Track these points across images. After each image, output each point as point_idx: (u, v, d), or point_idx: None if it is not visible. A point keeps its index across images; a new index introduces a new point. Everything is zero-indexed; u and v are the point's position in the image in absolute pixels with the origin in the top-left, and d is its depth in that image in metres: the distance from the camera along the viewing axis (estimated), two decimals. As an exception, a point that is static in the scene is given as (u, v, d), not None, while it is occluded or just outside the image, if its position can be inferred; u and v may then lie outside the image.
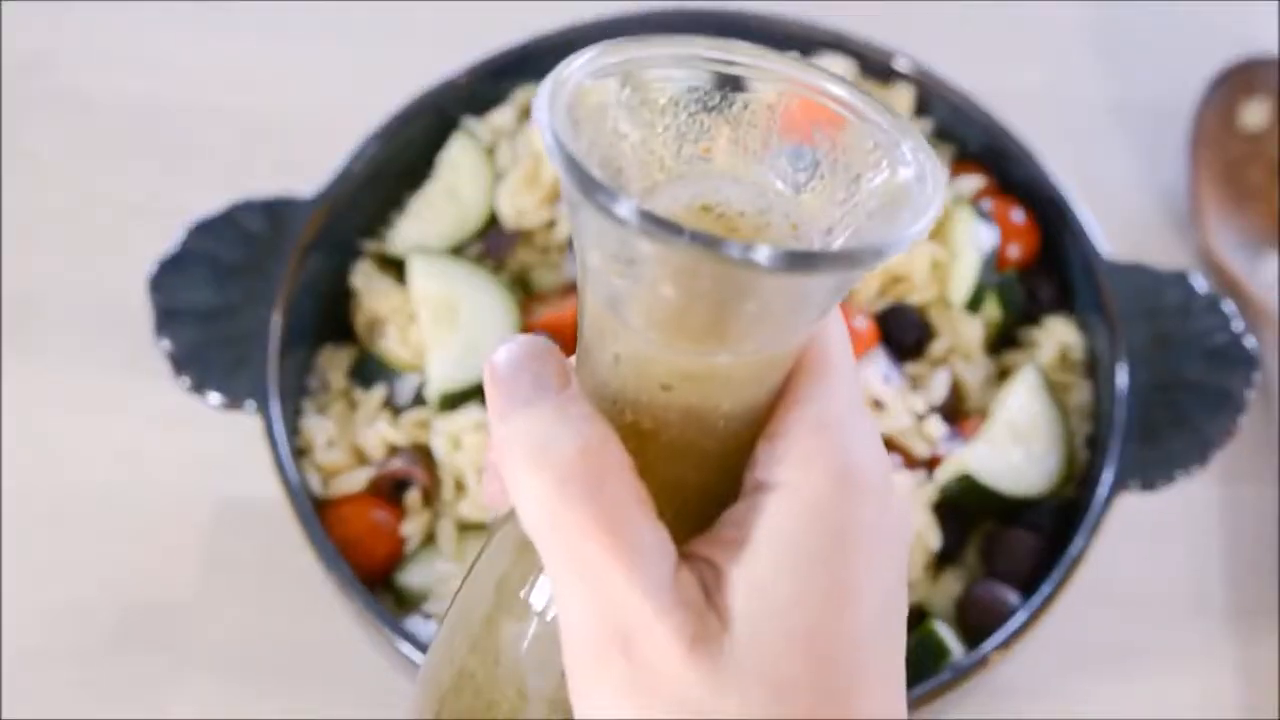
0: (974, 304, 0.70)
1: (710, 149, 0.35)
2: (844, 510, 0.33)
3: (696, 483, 0.35)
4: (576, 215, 0.32)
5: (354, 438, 0.68)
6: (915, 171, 0.33)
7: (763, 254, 0.29)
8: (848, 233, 0.33)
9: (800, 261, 0.30)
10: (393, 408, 0.69)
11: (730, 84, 0.34)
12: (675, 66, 0.34)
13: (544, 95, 0.32)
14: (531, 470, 0.33)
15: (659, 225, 0.30)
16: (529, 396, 0.34)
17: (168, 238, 0.68)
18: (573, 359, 0.36)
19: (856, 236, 0.33)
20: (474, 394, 0.68)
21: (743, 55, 0.34)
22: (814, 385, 0.34)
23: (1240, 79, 0.82)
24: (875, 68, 0.74)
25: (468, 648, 0.37)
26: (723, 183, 0.34)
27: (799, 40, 0.74)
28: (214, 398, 0.66)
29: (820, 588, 0.32)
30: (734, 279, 0.31)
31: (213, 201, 0.69)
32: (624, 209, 0.30)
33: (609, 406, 0.34)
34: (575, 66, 0.33)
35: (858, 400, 0.35)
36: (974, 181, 0.74)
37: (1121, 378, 0.68)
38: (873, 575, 0.33)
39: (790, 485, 0.33)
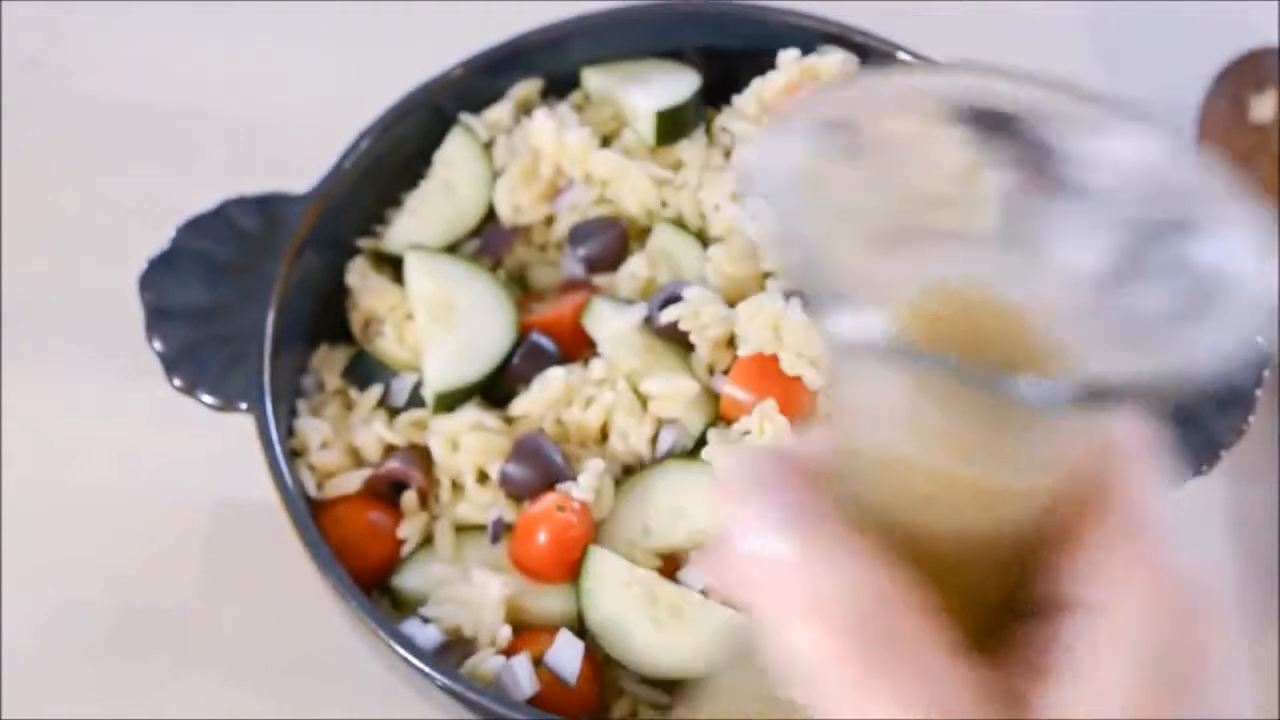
0: (976, 301, 0.70)
1: (971, 216, 0.28)
2: (1179, 637, 0.29)
3: (978, 595, 0.30)
4: (818, 320, 0.27)
5: (350, 438, 0.68)
6: (1234, 242, 0.26)
7: (1054, 392, 0.24)
8: (1154, 299, 0.27)
9: (1103, 398, 0.24)
10: (389, 408, 0.69)
11: (991, 125, 0.28)
12: (921, 106, 0.28)
13: (760, 176, 0.25)
14: (805, 621, 0.28)
15: (919, 357, 0.24)
16: (783, 527, 0.29)
17: (167, 239, 0.68)
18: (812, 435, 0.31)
19: (1171, 325, 0.26)
20: (471, 394, 0.68)
21: (1007, 85, 0.28)
22: (1114, 475, 0.29)
23: (1246, 71, 0.82)
24: (876, 64, 0.74)
25: None
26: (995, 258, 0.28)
27: (799, 35, 0.74)
28: (207, 399, 0.65)
29: None
30: (1014, 409, 0.25)
31: (212, 202, 0.69)
32: (873, 333, 0.25)
33: (871, 523, 0.29)
34: (794, 132, 0.26)
35: (1165, 489, 0.30)
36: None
37: (1125, 375, 0.67)
38: (1211, 695, 0.29)
39: (1110, 609, 0.29)
